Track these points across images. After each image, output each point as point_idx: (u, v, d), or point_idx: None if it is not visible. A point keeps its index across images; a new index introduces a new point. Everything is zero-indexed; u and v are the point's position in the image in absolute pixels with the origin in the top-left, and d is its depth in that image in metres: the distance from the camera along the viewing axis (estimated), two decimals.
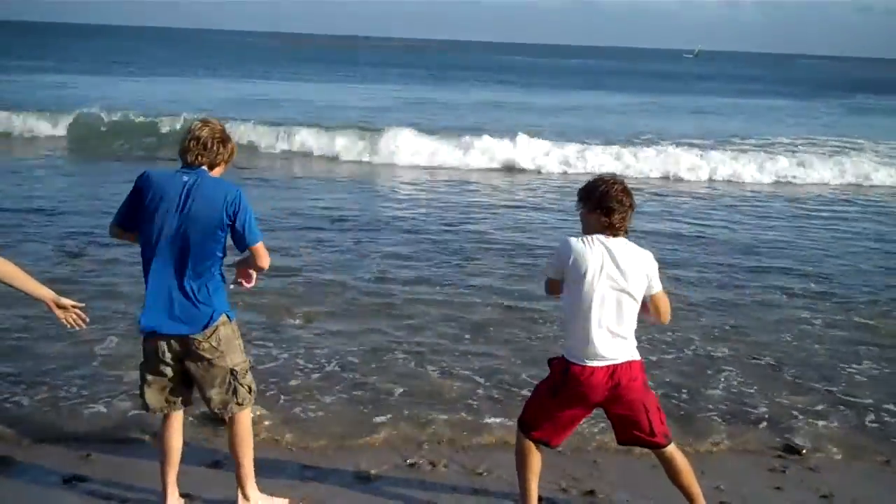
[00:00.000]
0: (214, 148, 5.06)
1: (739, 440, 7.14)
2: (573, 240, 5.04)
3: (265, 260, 5.13)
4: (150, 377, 5.19)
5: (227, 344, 5.11)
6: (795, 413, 7.73)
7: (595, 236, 5.04)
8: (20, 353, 8.44)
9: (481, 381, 8.17)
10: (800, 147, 29.01)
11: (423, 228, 14.94)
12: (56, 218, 14.26)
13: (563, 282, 5.07)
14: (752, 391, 8.26)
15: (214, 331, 5.04)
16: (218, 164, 5.13)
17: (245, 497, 5.37)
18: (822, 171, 23.73)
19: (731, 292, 11.68)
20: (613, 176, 5.20)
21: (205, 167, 5.06)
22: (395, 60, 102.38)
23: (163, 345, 5.08)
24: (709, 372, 8.73)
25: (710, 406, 7.82)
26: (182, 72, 60.66)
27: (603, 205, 5.02)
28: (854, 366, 9.05)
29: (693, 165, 23.51)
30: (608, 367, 5.00)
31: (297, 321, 9.61)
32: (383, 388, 7.92)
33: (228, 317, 5.13)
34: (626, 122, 36.25)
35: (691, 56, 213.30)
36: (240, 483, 5.37)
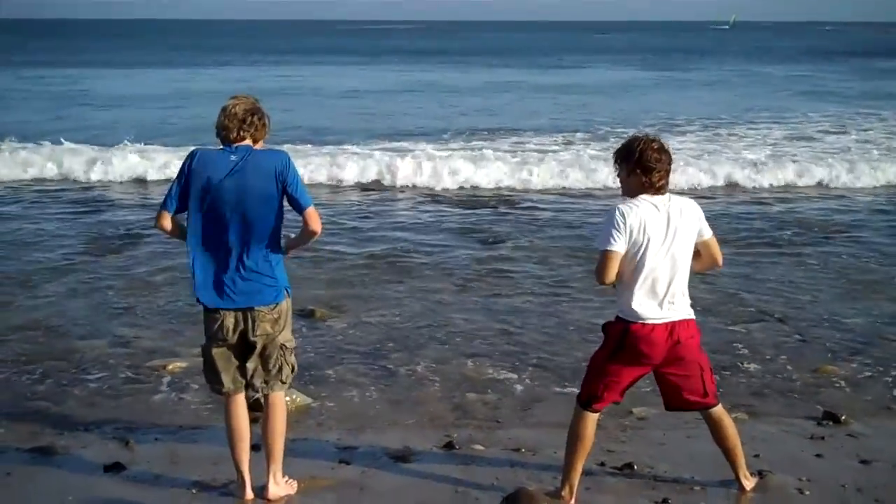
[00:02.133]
0: (254, 122, 5.07)
1: (777, 407, 7.11)
2: (626, 207, 4.99)
3: (318, 223, 5.12)
4: (216, 355, 5.20)
5: (286, 319, 5.19)
6: (835, 380, 7.68)
7: (641, 197, 5.02)
8: (57, 342, 8.56)
9: (516, 362, 8.19)
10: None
11: None
12: None
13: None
14: (787, 359, 8.21)
15: (276, 304, 5.10)
16: (261, 139, 5.14)
17: (276, 482, 5.38)
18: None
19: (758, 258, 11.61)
20: (647, 134, 5.15)
21: (249, 142, 5.07)
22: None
23: (228, 320, 5.10)
24: (742, 341, 8.70)
25: (747, 374, 7.80)
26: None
27: (642, 164, 4.98)
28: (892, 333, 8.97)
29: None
30: (667, 324, 5.03)
31: None
32: (416, 370, 7.95)
33: (288, 292, 5.19)
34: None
35: (727, 27, 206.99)
36: (270, 466, 5.37)
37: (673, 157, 5.14)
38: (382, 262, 11.70)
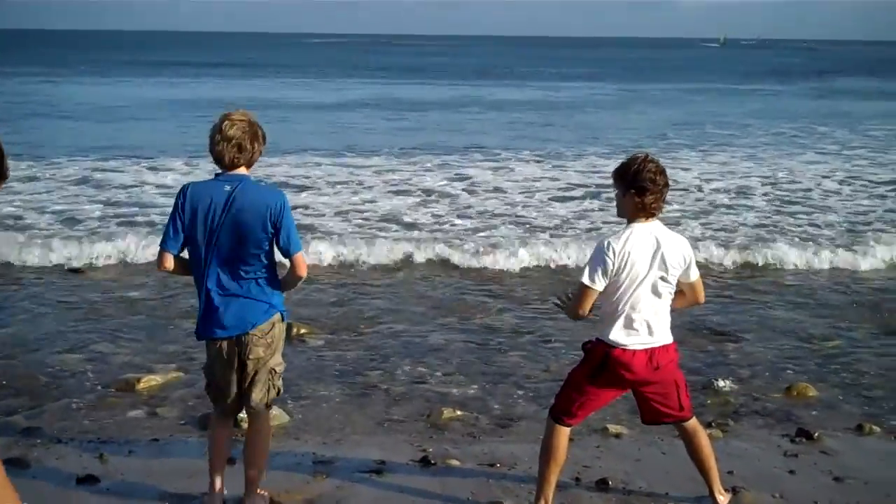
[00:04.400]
0: (249, 147, 4.95)
1: (752, 425, 7.15)
2: (615, 240, 5.00)
3: (303, 269, 5.13)
4: (215, 379, 5.25)
5: (277, 343, 5.16)
6: (809, 397, 7.74)
7: (633, 225, 5.04)
8: (31, 355, 8.52)
9: (490, 378, 8.21)
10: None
11: None
12: None
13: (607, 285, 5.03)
14: (761, 377, 8.28)
15: (271, 328, 5.08)
16: (255, 162, 5.08)
17: (261, 497, 5.37)
18: None
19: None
20: (647, 155, 5.15)
21: (243, 169, 5.00)
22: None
23: (223, 347, 5.12)
24: (716, 360, 8.77)
25: (721, 392, 7.85)
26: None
27: (636, 184, 4.97)
28: (862, 349, 9.06)
29: None
30: (648, 349, 5.06)
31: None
32: (393, 384, 7.96)
33: (282, 316, 5.17)
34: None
35: (717, 45, 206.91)
36: (249, 485, 5.34)
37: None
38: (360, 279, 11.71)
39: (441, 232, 14.56)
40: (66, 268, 11.99)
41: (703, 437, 5.44)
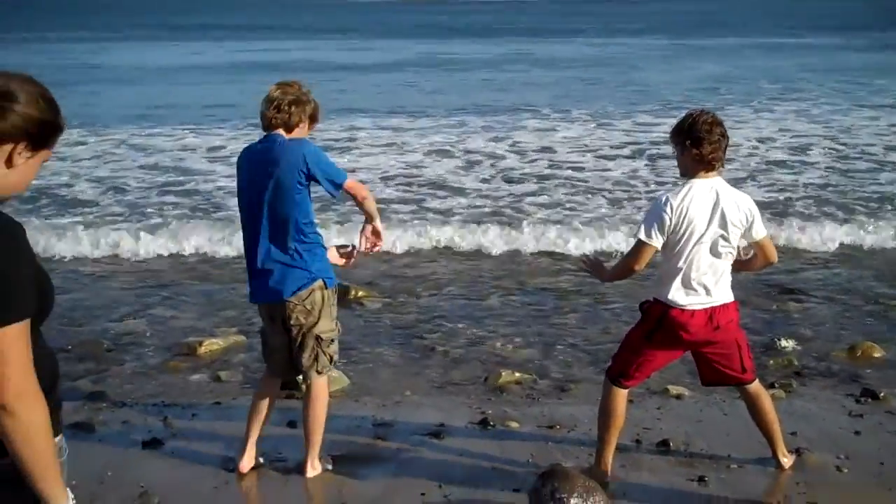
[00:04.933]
0: (287, 108, 5.02)
1: (816, 385, 7.05)
2: (673, 196, 4.91)
3: (361, 190, 5.23)
4: (266, 341, 5.38)
5: (321, 310, 5.15)
6: (872, 357, 7.60)
7: (692, 181, 4.95)
8: (94, 321, 8.68)
9: (549, 340, 8.20)
10: None
11: None
12: None
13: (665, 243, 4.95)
14: (825, 336, 8.15)
15: (309, 294, 5.08)
16: (295, 125, 5.08)
17: (312, 466, 5.41)
18: None
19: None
20: (702, 109, 5.07)
21: (280, 130, 5.05)
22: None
23: (269, 311, 5.21)
24: (779, 319, 8.66)
25: (785, 352, 7.74)
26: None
27: (692, 135, 4.89)
28: None
29: None
30: (707, 309, 4.99)
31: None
32: (451, 347, 7.98)
33: (325, 283, 5.14)
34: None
35: None
36: (308, 451, 5.40)
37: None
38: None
39: (491, 199, 14.38)
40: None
41: (766, 400, 5.36)
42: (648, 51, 47.58)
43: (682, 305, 4.98)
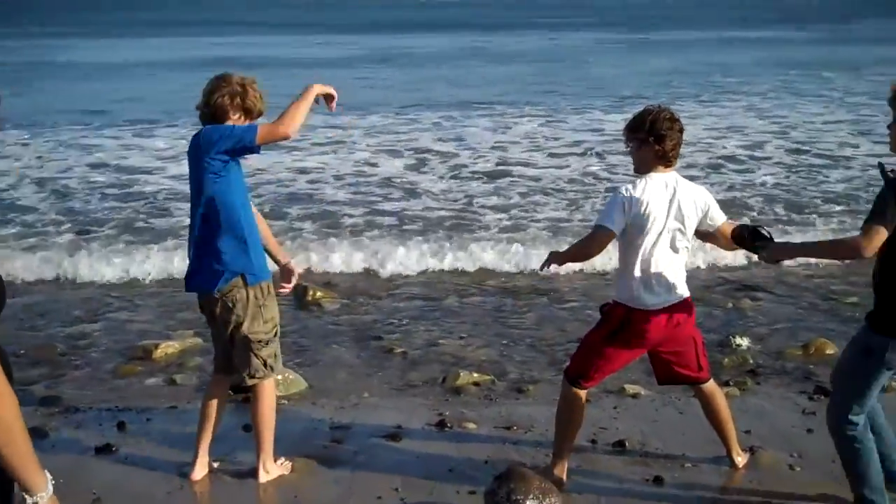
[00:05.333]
0: (208, 100, 4.93)
1: (770, 383, 7.12)
2: (632, 187, 4.93)
3: (276, 133, 4.77)
4: (212, 336, 5.33)
5: (244, 308, 4.98)
6: (825, 354, 7.69)
7: (651, 174, 4.96)
8: (49, 325, 8.57)
9: (506, 341, 8.23)
10: None
11: None
12: None
13: (622, 232, 4.95)
14: (779, 335, 8.23)
15: (230, 290, 4.95)
16: (222, 116, 4.92)
17: (264, 470, 5.35)
18: None
19: None
20: (659, 105, 5.11)
21: (209, 122, 4.96)
22: None
23: (201, 302, 5.15)
24: (734, 317, 8.74)
25: (739, 350, 7.81)
26: None
27: (654, 132, 4.90)
28: None
29: None
30: (668, 306, 5.02)
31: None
32: (409, 348, 7.97)
33: (245, 279, 4.96)
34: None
35: None
36: (258, 455, 5.34)
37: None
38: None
39: (444, 201, 14.08)
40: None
41: (720, 399, 5.40)
42: (602, 45, 47.57)
43: (646, 306, 5.00)
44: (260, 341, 5.07)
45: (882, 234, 4.28)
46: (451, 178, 15.72)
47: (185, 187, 5.53)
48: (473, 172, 16.08)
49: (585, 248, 5.11)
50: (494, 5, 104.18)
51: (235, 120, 4.95)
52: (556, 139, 19.32)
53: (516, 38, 49.25)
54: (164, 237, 11.54)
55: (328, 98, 5.06)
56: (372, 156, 17.46)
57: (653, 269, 4.97)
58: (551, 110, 23.21)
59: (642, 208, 4.88)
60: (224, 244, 4.91)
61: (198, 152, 4.87)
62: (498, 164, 16.74)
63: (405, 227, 12.41)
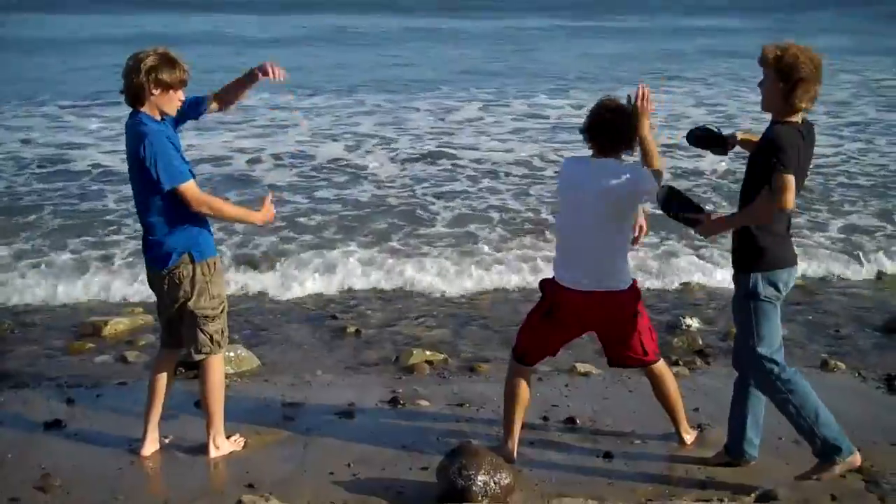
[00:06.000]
0: (127, 81, 4.90)
1: (718, 363, 7.22)
2: (566, 160, 5.03)
3: (192, 202, 4.90)
4: (158, 310, 5.34)
5: (191, 284, 5.03)
6: None
7: (588, 156, 5.04)
8: None
9: (459, 321, 8.28)
10: None
11: None
12: None
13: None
14: (728, 314, 8.34)
15: (176, 268, 4.99)
16: (145, 98, 4.89)
17: (215, 446, 5.35)
18: None
19: None
20: (608, 96, 5.15)
21: (138, 105, 4.93)
22: None
23: (151, 279, 5.18)
24: (685, 295, 8.85)
25: (688, 331, 7.91)
26: None
27: (591, 122, 4.99)
28: (829, 288, 9.15)
29: None
30: (601, 292, 5.03)
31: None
32: (363, 327, 7.97)
33: (192, 255, 5.00)
34: None
35: None
36: (209, 431, 5.35)
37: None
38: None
39: (390, 187, 13.43)
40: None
41: (669, 380, 5.47)
42: (551, 31, 47.08)
43: (568, 285, 5.06)
44: (207, 317, 5.10)
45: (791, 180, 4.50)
46: (393, 160, 15.19)
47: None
48: (416, 155, 15.58)
49: None
50: None
51: (157, 95, 4.90)
52: (499, 124, 18.91)
53: (471, 22, 48.85)
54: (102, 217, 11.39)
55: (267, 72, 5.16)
56: (313, 138, 16.82)
57: (572, 249, 5.05)
58: (499, 94, 22.98)
59: (569, 184, 5.03)
60: (170, 223, 4.96)
61: (133, 145, 4.89)
62: (440, 147, 16.22)
63: (350, 218, 11.77)
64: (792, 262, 4.90)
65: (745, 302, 4.87)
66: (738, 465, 5.24)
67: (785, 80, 4.56)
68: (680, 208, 4.84)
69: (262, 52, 27.59)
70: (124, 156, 5.09)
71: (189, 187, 4.89)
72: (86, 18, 43.96)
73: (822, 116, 18.56)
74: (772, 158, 4.50)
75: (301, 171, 14.28)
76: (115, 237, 10.47)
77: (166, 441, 5.47)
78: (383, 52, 33.30)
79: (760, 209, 4.64)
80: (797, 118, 4.67)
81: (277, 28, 43.22)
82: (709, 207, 11.42)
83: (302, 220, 11.34)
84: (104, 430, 5.72)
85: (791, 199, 4.49)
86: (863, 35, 42.08)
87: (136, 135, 4.89)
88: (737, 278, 4.91)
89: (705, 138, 5.20)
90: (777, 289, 4.83)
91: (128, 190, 5.86)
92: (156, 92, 4.89)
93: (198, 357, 5.17)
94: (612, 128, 4.99)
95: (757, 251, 4.76)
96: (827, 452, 4.90)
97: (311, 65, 27.94)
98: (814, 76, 4.57)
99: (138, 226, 5.30)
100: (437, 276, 9.38)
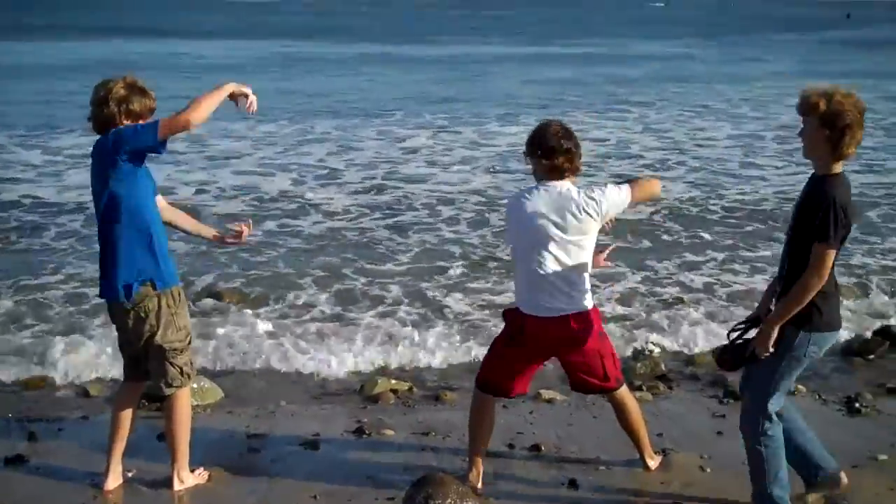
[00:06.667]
0: (97, 111, 4.88)
1: (681, 387, 7.29)
2: (512, 197, 5.05)
3: (177, 124, 4.69)
4: (119, 344, 5.24)
5: (156, 318, 4.94)
6: None
7: (538, 184, 5.04)
8: None
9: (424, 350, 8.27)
10: None
11: None
12: None
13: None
14: (691, 339, 8.42)
15: (140, 301, 4.90)
16: (113, 122, 4.86)
17: (179, 479, 5.29)
18: None
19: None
20: (551, 120, 5.19)
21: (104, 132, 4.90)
22: None
23: (110, 309, 5.09)
24: (646, 324, 8.91)
25: (650, 356, 7.97)
26: None
27: (542, 145, 4.98)
28: None
29: None
30: (562, 316, 5.04)
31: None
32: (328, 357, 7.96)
33: (154, 285, 4.91)
34: None
35: (662, 4, 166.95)
36: (173, 465, 5.29)
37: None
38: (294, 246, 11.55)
39: (343, 219, 13.15)
40: None
41: (631, 405, 5.49)
42: (502, 58, 46.82)
43: (536, 313, 5.06)
44: (175, 349, 5.04)
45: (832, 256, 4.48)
46: (344, 191, 14.94)
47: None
48: (367, 187, 15.37)
49: None
50: (395, 16, 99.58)
51: (127, 126, 4.88)
52: (448, 151, 18.76)
53: (420, 47, 48.83)
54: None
55: (242, 98, 5.02)
56: (265, 168, 16.64)
57: (542, 278, 5.01)
58: (452, 119, 22.94)
59: (521, 215, 4.97)
60: (132, 251, 4.87)
61: (102, 158, 4.83)
62: (389, 179, 16.02)
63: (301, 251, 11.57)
64: (839, 325, 4.79)
65: (782, 353, 4.71)
66: (832, 488, 5.17)
67: (831, 127, 4.48)
68: (735, 354, 4.88)
69: (213, 77, 27.25)
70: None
71: (164, 120, 4.71)
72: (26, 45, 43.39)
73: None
74: (827, 230, 4.43)
75: (249, 203, 14.04)
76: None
77: (129, 475, 5.41)
78: (333, 78, 33.25)
79: (805, 292, 4.56)
80: (840, 167, 4.60)
81: (228, 53, 43.12)
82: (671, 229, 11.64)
83: (255, 251, 11.26)
84: (67, 464, 5.64)
85: (826, 273, 4.50)
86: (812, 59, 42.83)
87: (100, 145, 4.84)
88: (782, 328, 4.68)
89: (736, 355, 4.95)
90: (818, 352, 4.76)
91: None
92: (126, 122, 4.87)
93: (168, 391, 5.10)
94: (572, 150, 5.03)
95: (810, 310, 4.61)
96: None
97: (261, 90, 27.64)
98: (858, 122, 4.50)
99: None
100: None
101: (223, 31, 59.87)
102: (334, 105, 25.49)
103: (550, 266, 5.00)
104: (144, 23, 61.45)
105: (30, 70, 33.05)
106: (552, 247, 4.98)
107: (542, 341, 5.12)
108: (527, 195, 5.03)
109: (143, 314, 4.92)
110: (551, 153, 4.97)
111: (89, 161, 4.96)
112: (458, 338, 8.43)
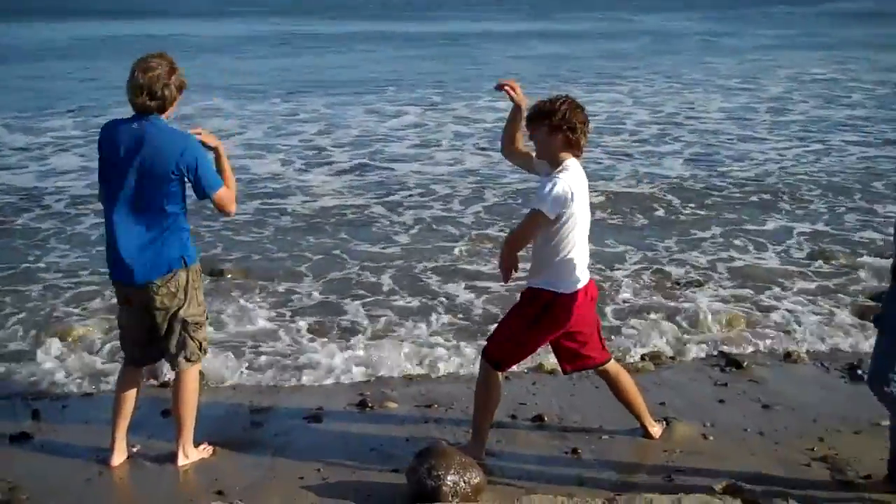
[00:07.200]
0: (160, 93, 4.83)
1: (681, 355, 7.29)
2: (569, 174, 4.93)
3: (229, 206, 5.07)
4: (122, 326, 5.27)
5: (184, 292, 5.04)
6: (740, 328, 7.89)
7: (569, 162, 5.00)
8: None
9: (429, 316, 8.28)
10: None
11: None
12: None
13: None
14: (689, 305, 8.41)
15: (173, 276, 4.97)
16: (169, 106, 4.93)
17: (184, 454, 5.34)
18: None
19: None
20: (566, 95, 5.14)
21: (155, 112, 4.89)
22: None
23: (127, 293, 5.09)
24: (650, 290, 8.90)
25: (655, 323, 7.96)
26: None
27: (568, 122, 4.96)
28: (793, 280, 9.24)
29: None
30: (585, 286, 5.15)
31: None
32: (330, 330, 7.96)
33: (186, 261, 5.02)
34: None
35: None
36: (178, 440, 5.33)
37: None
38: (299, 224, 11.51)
39: (336, 198, 12.85)
40: None
41: (624, 376, 5.56)
42: (493, 35, 46.38)
43: (572, 288, 5.09)
44: (196, 323, 5.15)
45: None
46: (335, 171, 14.68)
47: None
48: (354, 165, 15.09)
49: (521, 238, 5.14)
50: None
51: (176, 104, 4.99)
52: (439, 128, 18.45)
53: (415, 25, 48.47)
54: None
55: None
56: (256, 148, 16.32)
57: (580, 252, 5.07)
58: (445, 94, 22.75)
59: (577, 193, 4.92)
60: (169, 235, 4.96)
61: (165, 153, 4.81)
62: (378, 156, 15.76)
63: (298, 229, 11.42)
64: None
65: None
66: None
67: None
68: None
69: (203, 57, 26.83)
70: None
71: (224, 192, 5.02)
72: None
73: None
74: None
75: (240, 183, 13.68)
76: None
77: (134, 450, 5.44)
78: (324, 55, 33.05)
79: None
80: None
81: (219, 31, 42.88)
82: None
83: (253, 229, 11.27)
84: (71, 441, 5.67)
85: None
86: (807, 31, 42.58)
87: (167, 140, 4.84)
88: None
89: None
90: None
91: None
92: (176, 104, 4.98)
93: (185, 366, 5.17)
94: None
95: None
96: None
97: (252, 69, 27.58)
98: None
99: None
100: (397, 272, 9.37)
101: (208, 8, 59.03)
102: (324, 81, 25.27)
103: (584, 239, 5.13)
104: (123, 5, 60.25)
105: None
106: (587, 223, 5.12)
107: (571, 314, 5.11)
108: (577, 169, 5.02)
109: (174, 289, 5.00)
110: (575, 129, 4.98)
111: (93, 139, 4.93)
112: (461, 315, 8.40)
